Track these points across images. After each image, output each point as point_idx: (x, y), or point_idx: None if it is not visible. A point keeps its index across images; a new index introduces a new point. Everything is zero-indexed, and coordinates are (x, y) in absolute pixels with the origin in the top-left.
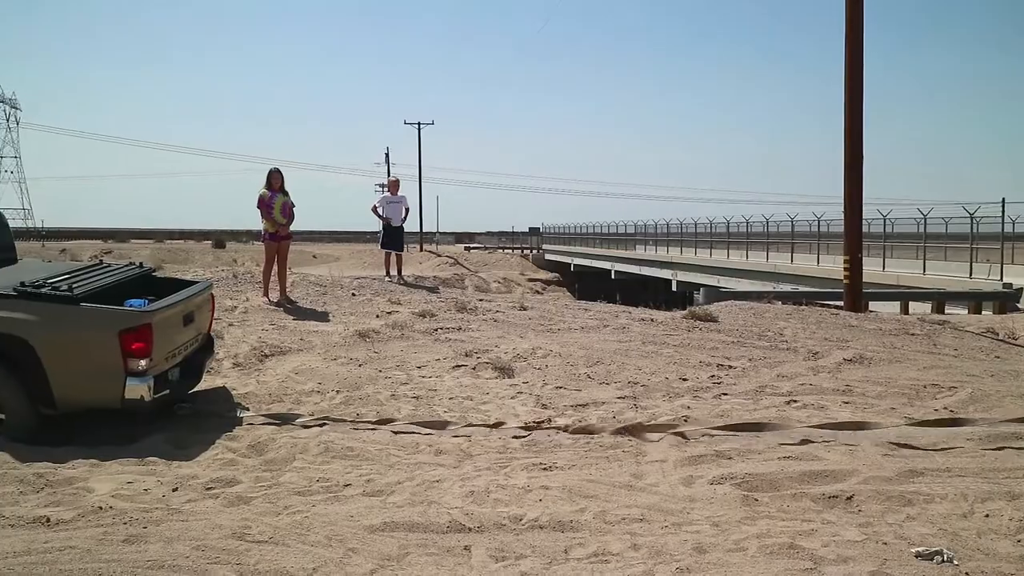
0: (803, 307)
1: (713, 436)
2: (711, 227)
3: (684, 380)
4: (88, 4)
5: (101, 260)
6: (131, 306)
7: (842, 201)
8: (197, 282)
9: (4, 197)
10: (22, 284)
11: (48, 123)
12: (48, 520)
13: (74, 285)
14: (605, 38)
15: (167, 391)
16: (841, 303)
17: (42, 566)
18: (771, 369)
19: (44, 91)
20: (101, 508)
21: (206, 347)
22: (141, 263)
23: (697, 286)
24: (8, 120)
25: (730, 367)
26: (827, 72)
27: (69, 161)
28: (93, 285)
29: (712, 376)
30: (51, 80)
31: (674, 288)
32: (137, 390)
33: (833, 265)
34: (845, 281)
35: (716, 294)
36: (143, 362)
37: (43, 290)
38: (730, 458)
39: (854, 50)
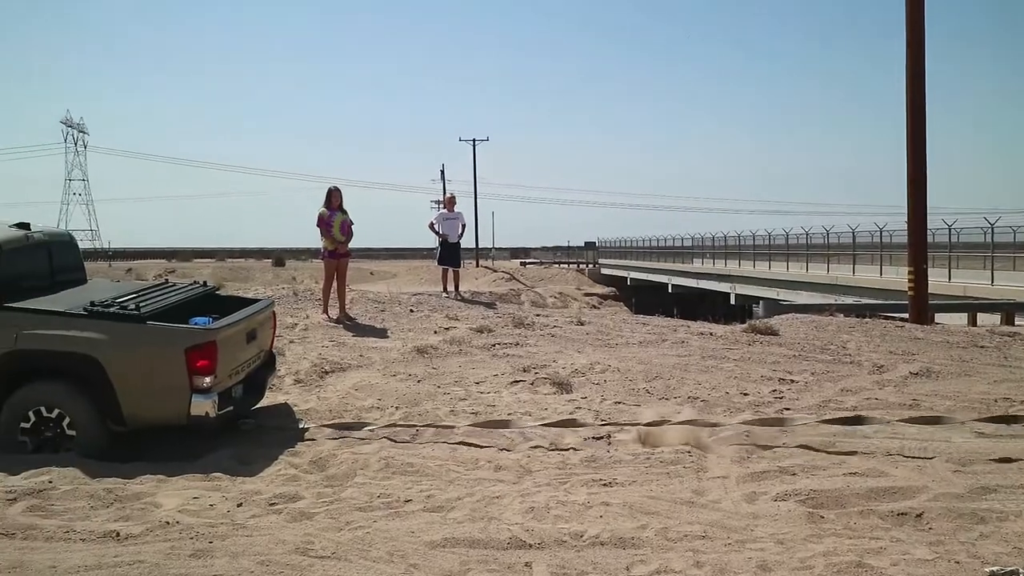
0: (866, 319)
1: (776, 451)
2: (770, 239)
3: (745, 395)
4: (150, 30)
5: (166, 279)
6: (196, 324)
7: (904, 211)
8: (259, 300)
9: (73, 219)
10: (92, 304)
11: (114, 146)
12: (118, 534)
13: (141, 304)
14: (657, 51)
15: (231, 407)
16: (906, 315)
17: None
18: (835, 383)
19: (111, 115)
20: (168, 523)
21: (268, 364)
22: (205, 282)
23: (756, 299)
24: (76, 144)
25: (792, 381)
26: (888, 76)
27: (134, 182)
28: (159, 304)
29: (774, 391)
30: (117, 104)
31: (732, 301)
32: (202, 407)
33: (897, 276)
34: (910, 292)
35: (776, 307)
36: (208, 379)
37: (111, 309)
38: (794, 474)
39: (916, 55)
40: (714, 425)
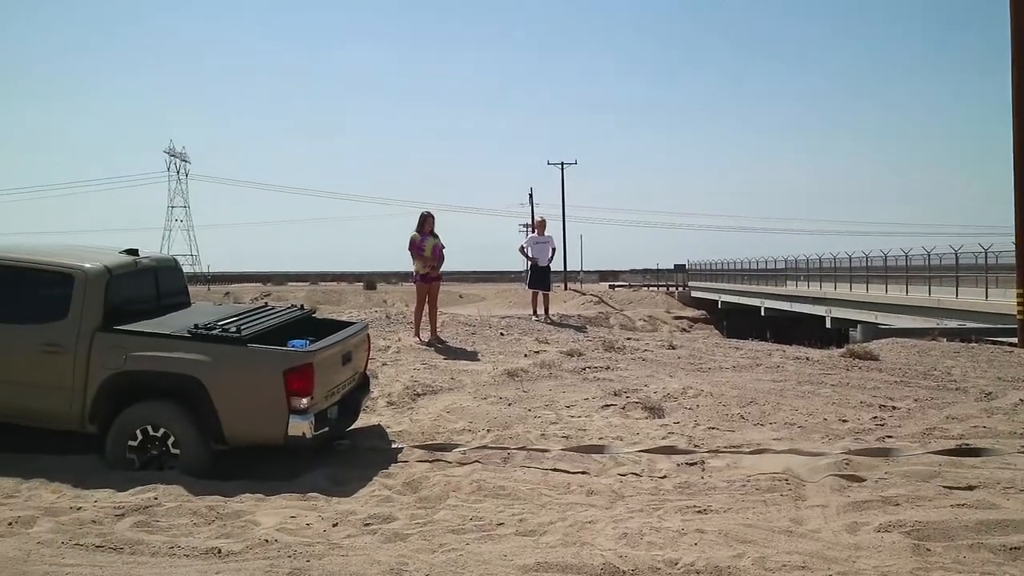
0: (972, 344)
1: (879, 481)
2: (867, 260)
3: (844, 421)
4: (246, 61)
5: (265, 303)
6: (294, 346)
7: (1012, 230)
8: (354, 323)
9: (174, 244)
10: (195, 327)
11: (214, 173)
12: (219, 551)
13: (242, 327)
14: (744, 70)
15: (327, 428)
16: (1015, 339)
17: None
18: (939, 411)
19: (210, 143)
20: (267, 541)
21: (362, 386)
22: (302, 305)
23: (853, 323)
24: (179, 172)
25: (894, 408)
26: (992, 88)
27: (232, 209)
28: (259, 327)
29: (874, 417)
30: (216, 132)
31: (828, 325)
32: (299, 427)
33: (1004, 299)
34: (1019, 316)
35: (875, 331)
36: (305, 400)
37: (214, 332)
38: (898, 504)
39: (1021, 69)
40: (813, 454)
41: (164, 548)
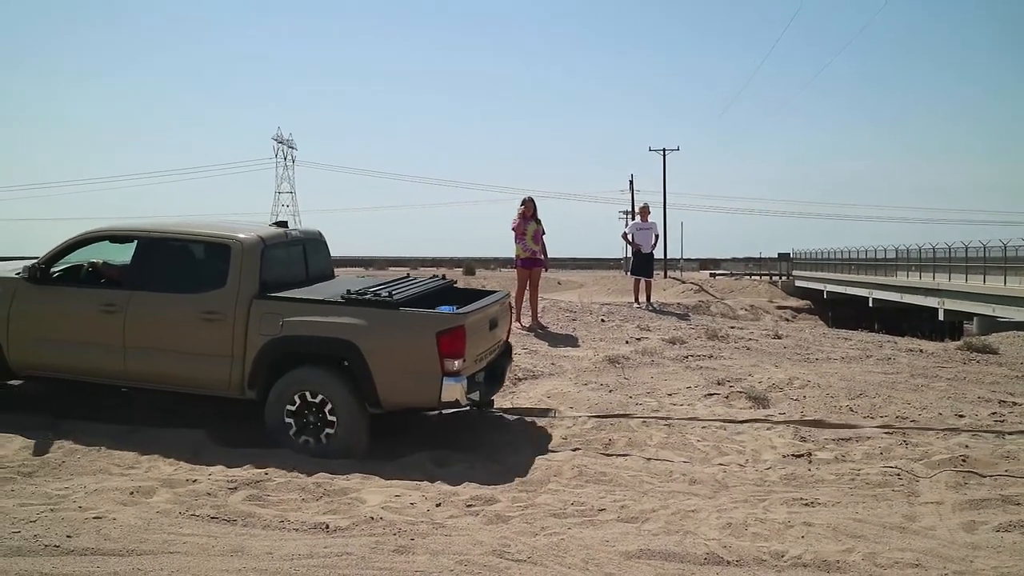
0: None
1: (998, 479)
2: (984, 251)
3: (960, 416)
4: (352, 52)
5: (407, 274)
6: (443, 311)
7: None
8: (497, 292)
9: None
10: (348, 292)
11: (317, 159)
12: (327, 527)
13: (393, 292)
14: (848, 53)
15: (478, 392)
16: None
17: (323, 569)
18: None
19: (315, 130)
20: (373, 518)
21: (506, 353)
22: (443, 275)
23: (968, 315)
24: (286, 159)
25: (1014, 404)
26: None
27: (336, 194)
28: (407, 293)
29: (993, 413)
30: (322, 120)
31: (940, 317)
32: (453, 391)
33: None
34: None
35: (993, 324)
36: (457, 363)
37: (366, 296)
38: (1019, 504)
39: None
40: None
41: (275, 522)
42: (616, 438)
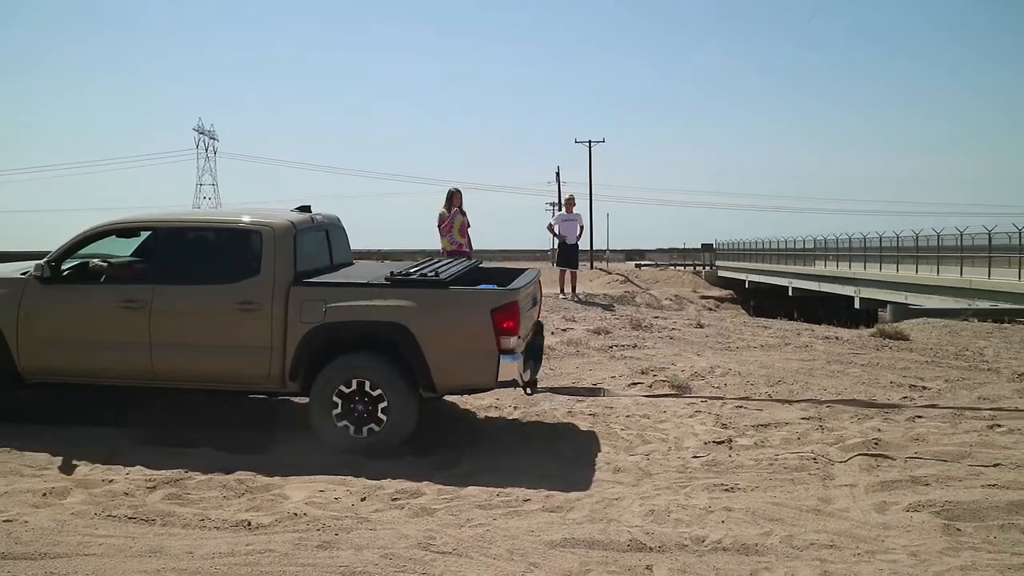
0: (1006, 325)
1: (908, 461)
2: (897, 240)
3: (873, 401)
4: (264, 45)
5: (431, 257)
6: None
7: None
8: (526, 270)
9: None
10: (392, 273)
11: (237, 151)
12: (249, 524)
13: (438, 272)
14: (769, 49)
15: (528, 372)
16: None
17: (245, 567)
18: (971, 391)
19: (236, 120)
20: (296, 514)
21: (539, 332)
22: (469, 256)
23: (882, 303)
24: (207, 150)
25: (924, 388)
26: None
27: (260, 187)
28: (449, 272)
29: (905, 397)
30: (241, 110)
31: (857, 305)
32: (510, 369)
33: None
34: None
35: (905, 311)
36: (513, 340)
37: (413, 277)
38: (927, 484)
39: None
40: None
41: (195, 520)
42: (542, 429)
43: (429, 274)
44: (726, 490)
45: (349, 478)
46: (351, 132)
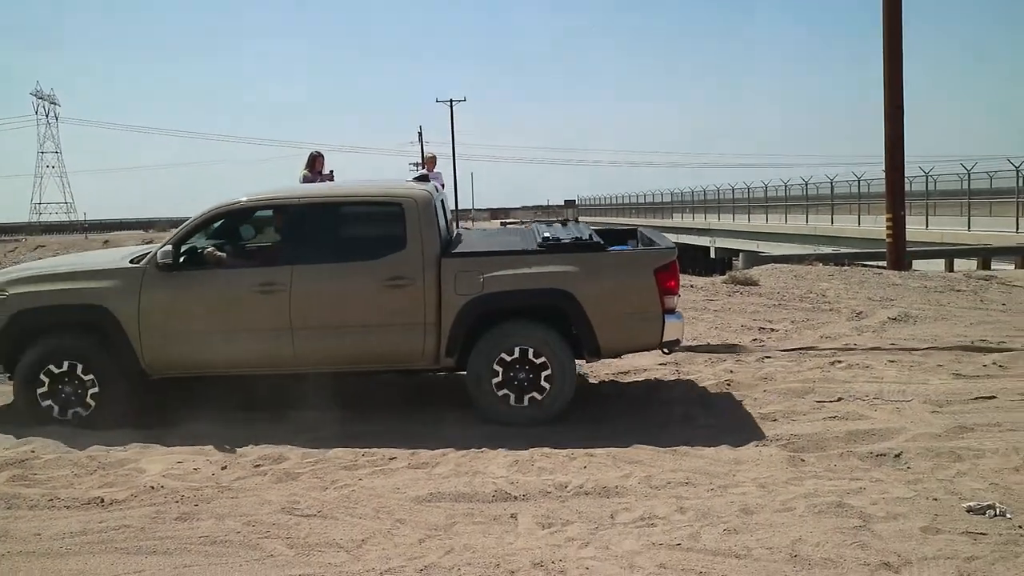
0: (845, 268)
1: (756, 399)
2: (749, 192)
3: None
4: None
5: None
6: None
7: (881, 160)
8: (637, 228)
9: (47, 191)
10: (545, 239)
11: (85, 116)
12: (102, 501)
13: (591, 235)
14: (623, 8)
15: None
16: (884, 263)
17: (98, 545)
18: (814, 331)
19: (81, 85)
20: (153, 487)
21: None
22: (565, 220)
23: (736, 252)
24: (48, 116)
25: (772, 330)
26: (865, 25)
27: (106, 153)
28: (595, 236)
29: (754, 339)
30: (87, 73)
31: (712, 255)
32: (675, 329)
33: (875, 225)
34: (888, 240)
35: (756, 259)
36: (675, 299)
37: (567, 242)
38: (775, 420)
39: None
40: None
41: (43, 501)
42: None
43: (585, 238)
44: (588, 438)
45: (209, 448)
46: (214, 98)
